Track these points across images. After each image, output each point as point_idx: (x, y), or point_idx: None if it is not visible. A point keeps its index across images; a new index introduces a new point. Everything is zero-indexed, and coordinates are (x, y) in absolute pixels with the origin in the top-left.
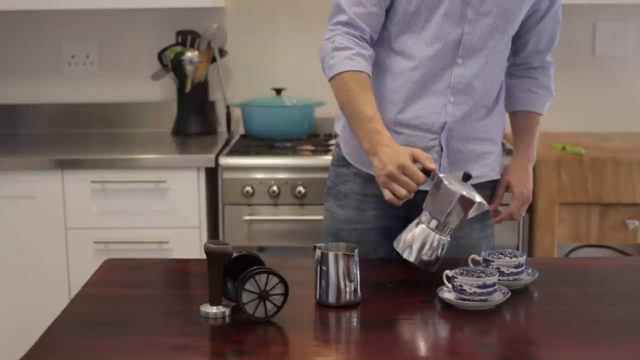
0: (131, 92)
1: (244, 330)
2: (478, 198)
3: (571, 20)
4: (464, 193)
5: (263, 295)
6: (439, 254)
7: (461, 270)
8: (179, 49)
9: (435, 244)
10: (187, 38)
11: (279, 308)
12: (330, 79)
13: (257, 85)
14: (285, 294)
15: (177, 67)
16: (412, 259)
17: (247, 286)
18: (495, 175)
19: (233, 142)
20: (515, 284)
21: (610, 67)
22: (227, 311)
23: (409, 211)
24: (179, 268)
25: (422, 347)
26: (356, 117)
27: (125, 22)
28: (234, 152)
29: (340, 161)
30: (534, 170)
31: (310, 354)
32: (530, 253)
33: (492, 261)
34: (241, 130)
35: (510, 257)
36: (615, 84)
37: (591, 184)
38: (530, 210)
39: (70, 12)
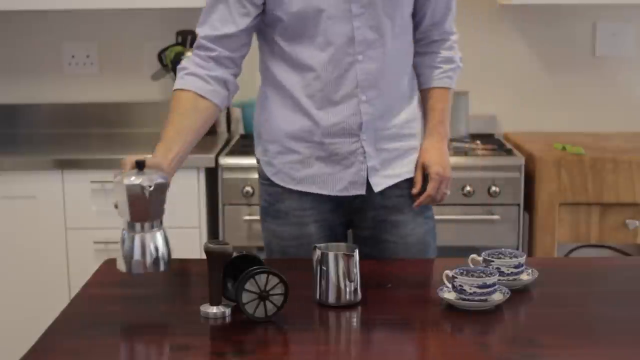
0: (131, 92)
1: (244, 330)
2: (150, 181)
3: (571, 20)
4: (132, 180)
5: (263, 295)
6: (160, 251)
7: (461, 270)
8: (179, 49)
9: (149, 243)
10: (187, 38)
11: (279, 308)
12: None
13: (257, 85)
14: (285, 294)
15: (177, 67)
16: (130, 269)
17: (247, 286)
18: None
19: (233, 142)
20: (515, 284)
21: (610, 67)
22: (227, 311)
23: (350, 214)
24: (179, 268)
25: (422, 347)
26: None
27: (125, 22)
28: (234, 152)
29: (270, 180)
30: (534, 169)
31: (310, 354)
32: (530, 253)
33: (492, 261)
34: (241, 130)
35: (510, 257)
36: (615, 84)
37: (591, 184)
38: (530, 210)
39: (70, 12)
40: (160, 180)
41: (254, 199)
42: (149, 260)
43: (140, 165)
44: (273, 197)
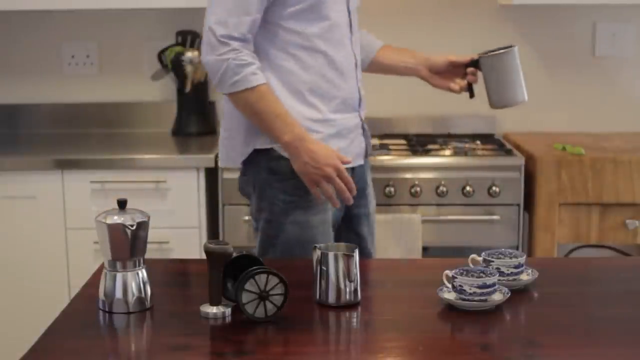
0: (131, 92)
1: (244, 330)
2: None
3: (571, 20)
4: (114, 220)
5: (263, 295)
6: (142, 290)
7: (461, 270)
8: (178, 49)
9: (131, 282)
10: (187, 38)
11: (279, 308)
12: (239, 93)
13: None
14: (285, 294)
15: (177, 67)
16: (111, 308)
17: (247, 286)
18: None
19: None
20: (515, 284)
21: (610, 67)
22: (227, 311)
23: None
24: (179, 268)
25: (422, 348)
26: (276, 116)
27: (125, 22)
28: None
29: (292, 174)
30: (534, 170)
31: (310, 354)
32: (530, 253)
33: (492, 261)
34: None
35: (510, 257)
36: (615, 84)
37: (591, 184)
38: (530, 210)
39: (70, 12)
40: (142, 219)
41: None
42: (130, 299)
43: (121, 205)
44: (303, 189)
